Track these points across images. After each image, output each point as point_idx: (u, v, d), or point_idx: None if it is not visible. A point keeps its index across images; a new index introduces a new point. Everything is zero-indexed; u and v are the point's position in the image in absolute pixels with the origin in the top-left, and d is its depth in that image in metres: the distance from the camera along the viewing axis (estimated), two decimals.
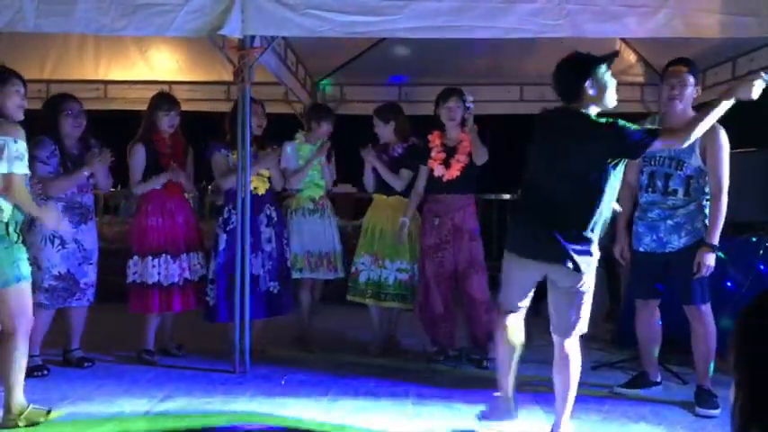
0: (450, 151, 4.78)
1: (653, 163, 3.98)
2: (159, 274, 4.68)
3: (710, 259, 3.79)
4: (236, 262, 4.47)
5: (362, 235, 5.06)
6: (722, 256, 4.33)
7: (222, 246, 4.76)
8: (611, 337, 5.41)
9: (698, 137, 3.40)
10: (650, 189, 4.00)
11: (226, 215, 4.82)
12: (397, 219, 4.92)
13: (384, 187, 5.04)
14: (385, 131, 5.05)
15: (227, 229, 4.77)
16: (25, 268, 3.48)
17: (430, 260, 4.77)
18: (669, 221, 3.94)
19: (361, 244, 5.03)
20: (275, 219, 4.91)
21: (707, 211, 3.88)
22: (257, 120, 4.80)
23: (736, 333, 1.39)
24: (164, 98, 4.87)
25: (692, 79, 3.90)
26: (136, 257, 4.72)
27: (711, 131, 3.58)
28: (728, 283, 4.69)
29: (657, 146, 3.19)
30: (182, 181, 4.82)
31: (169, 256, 4.71)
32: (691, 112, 3.84)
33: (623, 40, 6.50)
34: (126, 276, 4.73)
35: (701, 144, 3.79)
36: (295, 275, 5.03)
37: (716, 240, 3.80)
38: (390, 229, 4.92)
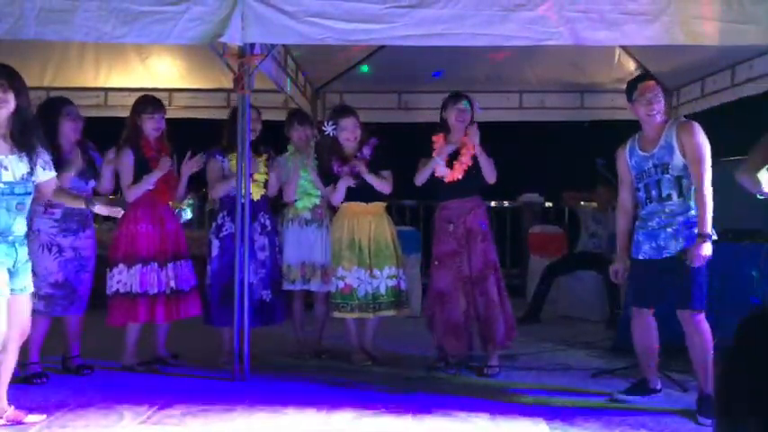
0: (453, 153, 4.74)
1: (644, 177, 4.04)
2: (147, 282, 4.58)
3: (704, 249, 3.77)
4: (234, 268, 4.43)
5: (347, 248, 4.82)
6: (755, 274, 4.32)
7: (215, 252, 4.78)
8: (612, 344, 5.40)
9: (675, 134, 3.73)
10: (648, 200, 4.03)
11: (219, 221, 4.82)
12: (381, 228, 4.88)
13: (361, 195, 4.86)
14: (358, 132, 4.87)
15: (221, 235, 4.78)
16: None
17: (446, 268, 4.71)
18: (669, 229, 3.95)
19: (348, 257, 4.81)
20: (269, 227, 4.90)
21: None
22: (252, 124, 4.70)
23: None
24: (147, 100, 4.74)
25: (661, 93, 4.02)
26: (121, 266, 4.59)
27: (687, 126, 3.86)
28: (753, 299, 4.66)
29: None
30: (178, 189, 4.76)
31: (156, 265, 4.61)
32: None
33: (622, 47, 6.52)
34: (109, 287, 4.60)
35: (678, 141, 3.88)
36: (287, 287, 4.97)
37: (707, 229, 3.78)
38: (377, 238, 4.85)
